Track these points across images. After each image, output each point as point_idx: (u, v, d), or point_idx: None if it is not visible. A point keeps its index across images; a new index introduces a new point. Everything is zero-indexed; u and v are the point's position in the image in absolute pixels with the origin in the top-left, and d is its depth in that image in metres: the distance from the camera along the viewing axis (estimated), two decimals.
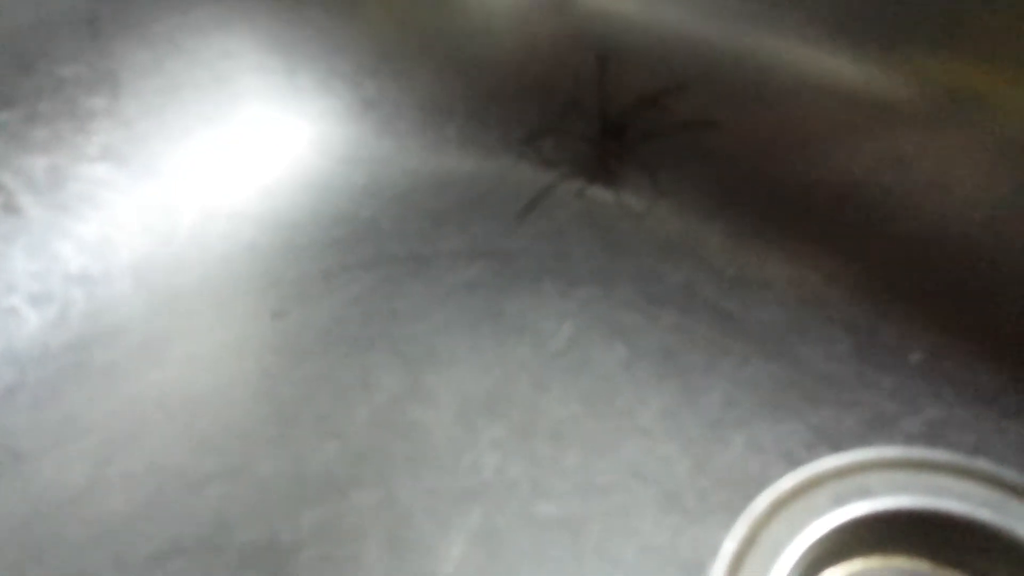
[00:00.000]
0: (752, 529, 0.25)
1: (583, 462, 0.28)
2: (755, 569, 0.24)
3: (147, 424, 0.30)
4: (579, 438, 0.29)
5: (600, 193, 0.37)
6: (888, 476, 0.26)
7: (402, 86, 0.39)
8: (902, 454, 0.26)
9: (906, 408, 0.28)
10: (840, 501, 0.25)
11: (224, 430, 0.30)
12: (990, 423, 0.27)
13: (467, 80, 0.39)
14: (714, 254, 0.34)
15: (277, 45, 0.39)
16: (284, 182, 0.38)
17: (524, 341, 0.32)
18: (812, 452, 0.27)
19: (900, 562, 0.25)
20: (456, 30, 0.39)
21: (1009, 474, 0.25)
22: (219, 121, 0.38)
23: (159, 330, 0.33)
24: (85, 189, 0.35)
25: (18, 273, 0.33)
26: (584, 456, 0.28)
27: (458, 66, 0.39)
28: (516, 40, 0.39)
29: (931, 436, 0.27)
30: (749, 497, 0.26)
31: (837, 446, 0.27)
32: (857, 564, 0.25)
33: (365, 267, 0.35)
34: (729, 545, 0.24)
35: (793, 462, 0.27)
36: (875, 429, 0.27)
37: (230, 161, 0.38)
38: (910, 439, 0.27)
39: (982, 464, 0.25)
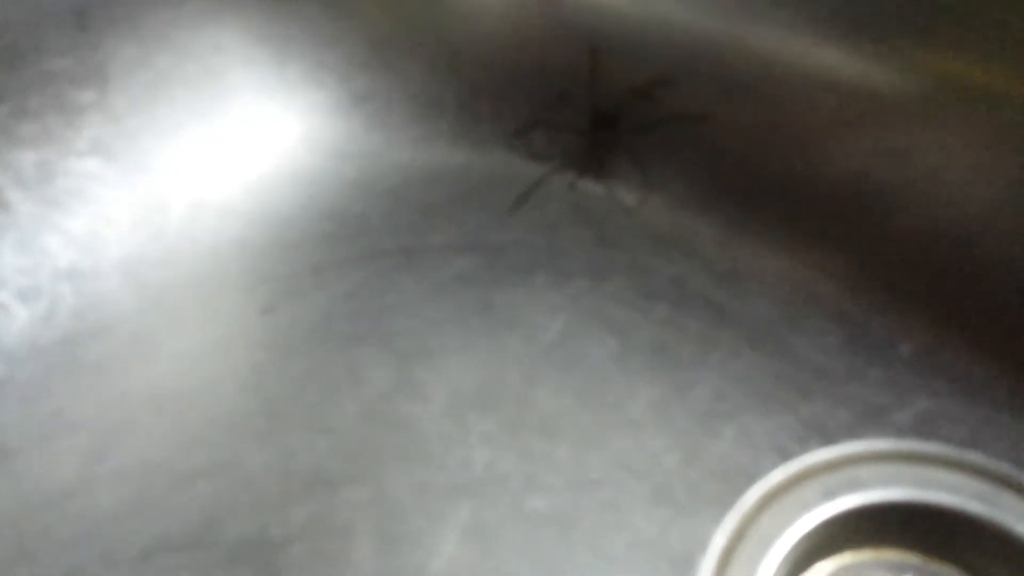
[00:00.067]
0: (742, 522, 0.25)
1: (574, 456, 0.28)
2: (745, 562, 0.24)
3: (136, 420, 0.30)
4: (570, 432, 0.28)
5: (592, 186, 0.37)
6: (879, 469, 0.26)
7: (393, 80, 0.39)
8: (893, 447, 0.26)
9: (897, 401, 0.28)
10: (831, 494, 0.25)
11: (214, 425, 0.30)
12: (981, 416, 0.27)
13: (458, 73, 0.39)
14: (706, 247, 0.34)
15: (267, 39, 0.39)
16: (274, 177, 0.38)
17: (515, 334, 0.31)
18: (803, 445, 0.27)
19: (891, 555, 0.25)
20: (446, 23, 0.39)
21: (1000, 467, 0.25)
22: (208, 116, 0.38)
23: (148, 325, 0.33)
24: (74, 184, 0.35)
25: (7, 268, 0.33)
26: (575, 450, 0.28)
27: (449, 59, 0.39)
28: (507, 33, 0.38)
29: (922, 429, 0.27)
30: (739, 490, 0.26)
31: (828, 439, 0.27)
32: (847, 557, 0.25)
33: (355, 262, 0.35)
34: (719, 539, 0.24)
35: (784, 455, 0.27)
36: (866, 422, 0.27)
37: (220, 156, 0.38)
38: (901, 432, 0.27)
39: (973, 457, 0.25)
